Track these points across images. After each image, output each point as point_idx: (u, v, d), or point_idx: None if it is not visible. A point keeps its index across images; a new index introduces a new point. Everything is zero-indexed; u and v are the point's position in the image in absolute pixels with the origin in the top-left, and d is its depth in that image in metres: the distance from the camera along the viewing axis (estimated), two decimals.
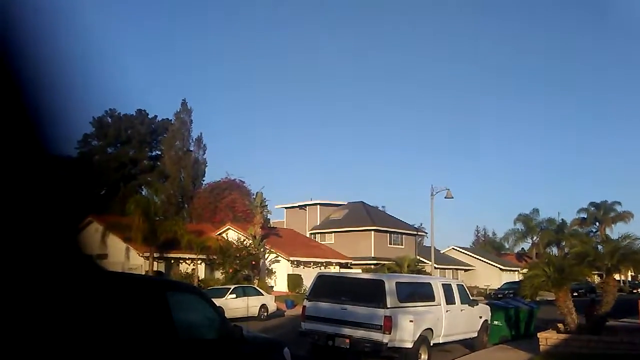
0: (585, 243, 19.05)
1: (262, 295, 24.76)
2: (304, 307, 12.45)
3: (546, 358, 12.43)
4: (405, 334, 11.18)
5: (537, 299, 17.03)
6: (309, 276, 26.00)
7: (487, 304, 17.08)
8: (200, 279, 33.77)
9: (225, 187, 57.57)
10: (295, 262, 40.38)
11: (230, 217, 50.76)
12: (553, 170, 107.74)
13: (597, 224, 65.95)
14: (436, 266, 41.95)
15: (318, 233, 50.93)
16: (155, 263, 32.68)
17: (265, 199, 40.31)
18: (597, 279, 45.11)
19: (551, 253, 51.17)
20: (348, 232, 48.24)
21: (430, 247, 41.03)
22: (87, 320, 2.52)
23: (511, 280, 48.72)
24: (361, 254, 45.75)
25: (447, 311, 12.75)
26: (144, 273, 29.39)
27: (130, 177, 58.78)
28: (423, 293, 12.68)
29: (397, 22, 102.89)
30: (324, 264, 42.47)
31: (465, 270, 55.76)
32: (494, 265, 58.46)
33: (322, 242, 48.94)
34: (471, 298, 14.76)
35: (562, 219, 64.11)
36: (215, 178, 63.85)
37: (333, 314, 11.62)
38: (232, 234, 40.56)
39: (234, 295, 22.56)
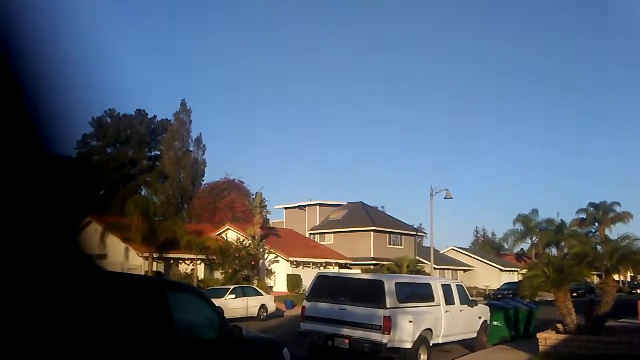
0: (585, 243, 19.06)
1: (262, 295, 24.75)
2: (303, 307, 12.44)
3: (545, 358, 12.43)
4: (405, 334, 11.18)
5: (537, 299, 17.03)
6: (308, 276, 26.00)
7: (486, 304, 17.07)
8: (199, 279, 33.76)
9: (224, 187, 57.56)
10: (294, 263, 40.38)
11: (229, 217, 50.75)
12: (552, 171, 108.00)
13: (597, 224, 66.00)
14: (435, 266, 41.94)
15: (317, 233, 50.94)
16: (154, 263, 32.66)
17: (264, 199, 40.36)
18: (596, 280, 45.12)
19: (550, 253, 51.15)
20: (347, 232, 48.25)
21: (430, 247, 41.01)
22: (87, 320, 2.52)
23: (510, 281, 48.76)
24: (360, 254, 45.76)
25: (446, 311, 12.75)
26: (143, 273, 29.37)
27: (130, 177, 58.76)
28: (422, 293, 12.68)
29: (397, 22, 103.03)
30: (323, 264, 42.46)
31: (465, 271, 55.78)
32: (493, 266, 58.49)
33: (322, 243, 48.94)
34: (470, 298, 14.75)
35: (562, 220, 64.30)
36: (214, 178, 63.98)
37: (332, 314, 11.62)
38: (232, 234, 40.55)
39: (233, 296, 22.55)
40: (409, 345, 11.21)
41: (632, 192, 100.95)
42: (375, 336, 11.01)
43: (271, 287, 36.46)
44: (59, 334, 2.26)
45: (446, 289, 13.31)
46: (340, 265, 43.78)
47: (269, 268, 39.65)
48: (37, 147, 2.05)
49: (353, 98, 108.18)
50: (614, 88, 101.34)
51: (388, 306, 11.10)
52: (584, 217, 66.49)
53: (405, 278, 16.71)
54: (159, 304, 5.52)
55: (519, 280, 31.29)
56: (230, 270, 34.78)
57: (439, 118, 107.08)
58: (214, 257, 35.24)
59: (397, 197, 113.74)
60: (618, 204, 65.26)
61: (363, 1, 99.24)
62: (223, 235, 41.29)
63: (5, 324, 2.02)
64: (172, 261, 35.68)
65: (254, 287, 27.32)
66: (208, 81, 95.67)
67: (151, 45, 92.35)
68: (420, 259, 45.19)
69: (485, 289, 48.33)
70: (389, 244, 48.62)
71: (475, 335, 14.18)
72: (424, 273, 36.94)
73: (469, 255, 60.39)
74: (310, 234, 51.29)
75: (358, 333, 11.20)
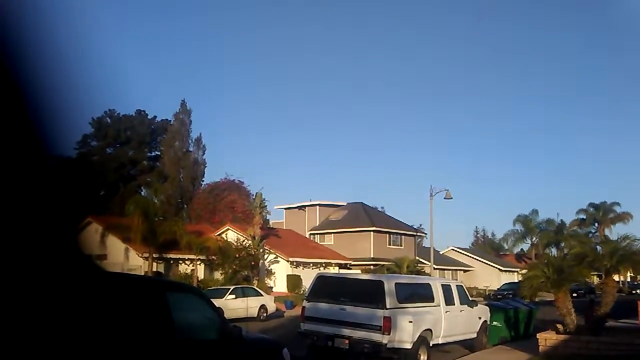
0: (585, 244, 19.09)
1: (262, 295, 24.75)
2: (304, 307, 12.44)
3: (545, 359, 12.43)
4: (405, 334, 11.18)
5: (537, 299, 17.05)
6: (308, 277, 26.00)
7: (486, 304, 17.08)
8: (199, 279, 33.75)
9: (224, 188, 57.57)
10: (294, 263, 40.38)
11: (229, 217, 50.74)
12: (552, 171, 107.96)
13: (596, 224, 65.96)
14: (435, 267, 41.94)
15: (317, 234, 50.94)
16: (154, 264, 32.64)
17: (264, 199, 40.35)
18: (596, 280, 45.18)
19: (550, 254, 51.11)
20: (347, 232, 48.25)
21: (430, 247, 41.02)
22: (86, 321, 2.52)
23: (510, 281, 48.78)
24: (360, 255, 45.76)
25: (446, 312, 12.75)
26: (143, 274, 29.37)
27: (130, 177, 58.78)
28: (422, 294, 12.68)
29: (397, 22, 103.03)
30: (324, 265, 42.47)
31: (465, 271, 55.78)
32: (493, 266, 58.51)
33: (322, 243, 48.94)
34: (470, 299, 14.76)
35: (561, 220, 64.32)
36: (214, 178, 64.01)
37: (332, 315, 11.62)
38: (232, 235, 40.55)
39: (233, 296, 22.55)
40: (409, 346, 11.21)
41: (632, 193, 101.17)
42: (375, 337, 11.01)
43: (271, 287, 36.46)
44: (58, 334, 2.26)
45: (446, 289, 13.31)
46: (340, 266, 43.78)
47: (269, 268, 39.65)
48: (37, 148, 2.05)
49: (353, 98, 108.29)
50: (614, 88, 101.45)
51: (388, 307, 11.10)
52: (584, 217, 66.47)
53: (405, 278, 16.70)
54: (159, 305, 5.52)
55: (519, 281, 31.33)
56: (230, 271, 34.78)
57: (439, 118, 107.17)
58: (214, 258, 35.23)
59: (397, 197, 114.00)
60: (618, 204, 65.33)
61: (363, 1, 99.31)
62: (223, 235, 41.29)
63: (4, 324, 2.02)
64: (172, 261, 35.66)
65: (254, 287, 27.31)
66: (208, 81, 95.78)
67: (151, 46, 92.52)
68: (420, 260, 45.21)
69: (485, 290, 48.33)
70: (389, 245, 48.63)
71: (475, 335, 14.18)
72: (424, 273, 36.96)
73: (468, 256, 60.40)
74: (310, 234, 51.29)
75: (358, 333, 11.20)
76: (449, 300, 13.10)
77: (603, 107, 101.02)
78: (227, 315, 12.55)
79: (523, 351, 13.42)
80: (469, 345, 14.16)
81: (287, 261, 39.95)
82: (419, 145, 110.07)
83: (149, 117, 62.72)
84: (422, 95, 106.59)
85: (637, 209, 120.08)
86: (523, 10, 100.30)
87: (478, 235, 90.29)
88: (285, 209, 55.78)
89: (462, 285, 14.85)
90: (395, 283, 11.88)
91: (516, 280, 44.67)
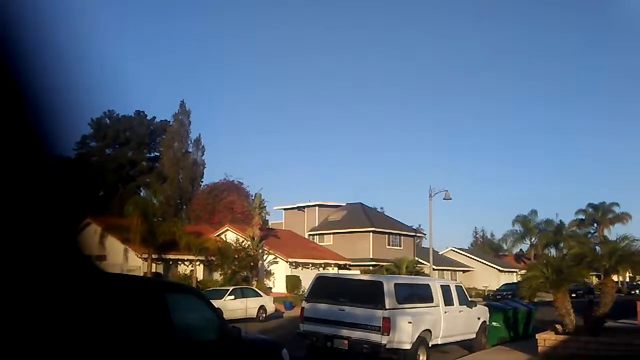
0: (584, 244, 19.11)
1: (261, 296, 24.73)
2: (303, 308, 12.44)
3: (544, 359, 12.44)
4: (404, 335, 11.18)
5: (536, 300, 17.04)
6: (307, 277, 26.03)
7: (485, 305, 17.08)
8: (198, 280, 33.73)
9: (223, 189, 57.53)
10: (293, 264, 40.36)
11: (228, 218, 50.70)
12: (551, 172, 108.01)
13: (595, 225, 65.98)
14: (435, 267, 41.95)
15: (316, 234, 50.92)
16: (153, 264, 32.63)
17: (263, 200, 40.34)
18: (595, 280, 45.20)
19: (549, 254, 51.13)
20: (346, 233, 48.24)
21: (429, 248, 41.01)
22: (86, 321, 2.51)
23: (509, 282, 48.79)
24: (360, 255, 45.75)
25: (445, 312, 12.75)
26: (142, 274, 29.34)
27: (129, 178, 58.72)
28: (421, 294, 12.68)
29: (397, 22, 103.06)
30: (323, 265, 42.45)
31: (464, 272, 55.79)
32: (492, 267, 58.52)
33: (321, 244, 48.93)
34: (469, 299, 14.76)
35: (560, 220, 64.26)
36: (213, 179, 63.90)
37: (331, 315, 11.62)
38: (231, 235, 40.54)
39: (232, 297, 22.54)
40: (408, 346, 11.21)
41: (632, 193, 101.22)
42: (375, 337, 11.00)
43: (270, 288, 36.44)
44: (57, 334, 2.26)
45: (445, 289, 13.31)
46: (340, 266, 43.78)
47: (268, 269, 39.63)
48: (36, 148, 2.05)
49: (353, 98, 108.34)
50: (614, 88, 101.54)
51: (387, 307, 11.10)
52: (583, 217, 66.48)
53: (405, 279, 16.70)
54: (158, 305, 5.52)
55: (518, 281, 31.35)
56: (229, 272, 34.76)
57: (439, 118, 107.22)
58: (213, 258, 35.22)
59: (397, 198, 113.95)
60: (617, 204, 65.32)
61: (363, 2, 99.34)
62: (222, 236, 41.27)
63: (4, 325, 2.02)
64: (171, 262, 35.64)
65: (253, 288, 27.30)
66: (208, 82, 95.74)
67: (151, 47, 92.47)
68: (420, 260, 45.20)
69: (484, 290, 48.34)
70: (388, 245, 48.62)
71: (474, 336, 14.18)
72: (423, 274, 36.95)
73: (468, 256, 60.43)
74: (310, 235, 51.27)
75: (357, 334, 11.20)
76: (448, 301, 13.10)
77: (603, 107, 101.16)
78: (226, 316, 12.56)
79: (522, 352, 13.43)
80: (468, 346, 14.16)
81: (286, 262, 39.93)
82: (418, 145, 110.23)
83: (148, 117, 62.75)
84: (422, 95, 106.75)
85: (636, 210, 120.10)
86: (523, 10, 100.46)
87: (477, 235, 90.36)
88: (284, 209, 55.78)
89: (461, 286, 14.85)
90: (395, 284, 11.89)
91: (515, 281, 44.69)
